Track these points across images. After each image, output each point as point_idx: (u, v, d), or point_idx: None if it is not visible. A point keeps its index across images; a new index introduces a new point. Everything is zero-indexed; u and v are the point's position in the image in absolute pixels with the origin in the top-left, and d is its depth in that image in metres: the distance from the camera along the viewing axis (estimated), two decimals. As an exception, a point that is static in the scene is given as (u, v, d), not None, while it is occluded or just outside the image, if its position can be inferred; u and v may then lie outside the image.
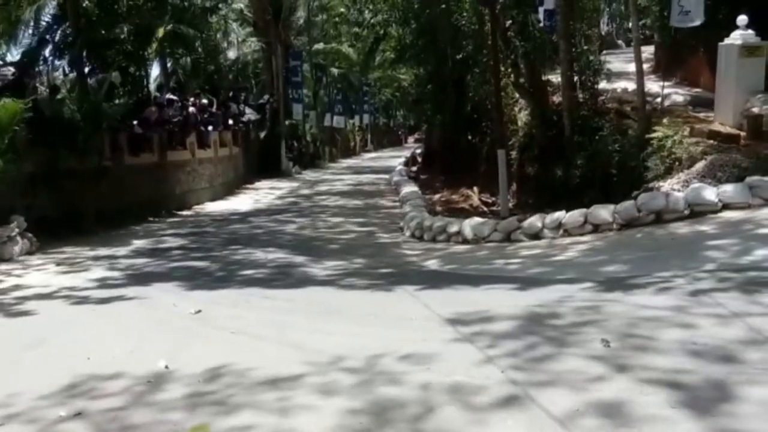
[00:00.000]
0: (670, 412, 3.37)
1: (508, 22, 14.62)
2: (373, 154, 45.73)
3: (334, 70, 42.03)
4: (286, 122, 29.72)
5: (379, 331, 5.42)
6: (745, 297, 5.22)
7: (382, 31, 26.59)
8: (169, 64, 26.69)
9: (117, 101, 15.71)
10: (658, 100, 12.97)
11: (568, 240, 9.25)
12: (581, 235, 9.26)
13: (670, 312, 5.05)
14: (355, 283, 7.88)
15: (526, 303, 5.78)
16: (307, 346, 4.99)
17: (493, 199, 14.99)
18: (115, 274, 8.92)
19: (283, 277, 8.37)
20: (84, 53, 17.50)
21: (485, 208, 14.51)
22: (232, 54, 33.87)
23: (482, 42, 16.43)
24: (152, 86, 25.43)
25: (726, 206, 8.52)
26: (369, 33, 29.33)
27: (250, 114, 25.72)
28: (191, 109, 19.18)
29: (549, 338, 4.71)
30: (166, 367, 4.59)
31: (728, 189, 8.63)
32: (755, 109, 10.58)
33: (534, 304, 5.71)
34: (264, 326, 5.79)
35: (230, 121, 22.12)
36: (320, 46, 39.85)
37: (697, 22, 11.25)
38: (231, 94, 25.60)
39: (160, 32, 20.33)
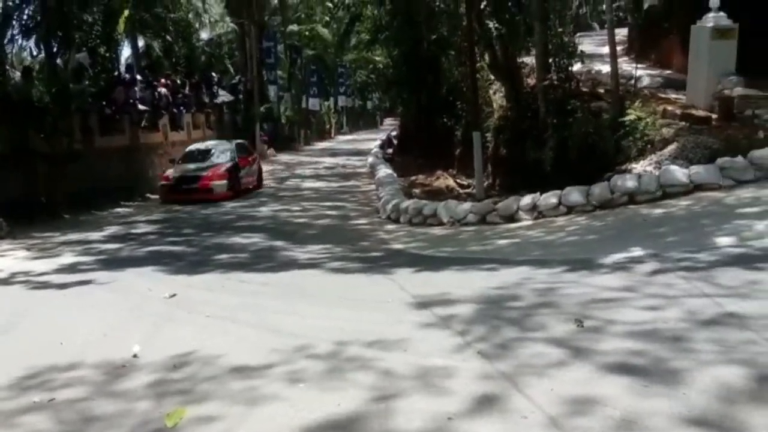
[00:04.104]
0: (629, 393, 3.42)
1: (483, 4, 14.57)
2: (348, 137, 45.49)
3: (309, 52, 41.65)
4: (261, 105, 29.43)
5: (355, 314, 5.42)
6: (709, 278, 5.30)
7: (357, 11, 26.35)
8: (140, 45, 26.26)
9: (86, 82, 15.38)
10: (632, 82, 13.07)
11: (542, 222, 9.33)
12: (556, 216, 9.34)
13: (632, 293, 5.14)
14: (331, 266, 7.87)
15: (498, 285, 5.83)
16: (282, 329, 4.97)
17: (469, 181, 15.03)
18: (88, 258, 8.80)
19: (261, 262, 8.33)
20: (52, 33, 17.12)
21: (461, 191, 14.53)
22: (205, 35, 33.42)
23: (457, 23, 16.38)
24: (123, 67, 24.99)
25: (697, 187, 8.64)
26: (344, 14, 29.05)
27: (223, 96, 25.43)
28: (162, 90, 18.89)
29: (514, 321, 4.75)
30: (135, 356, 4.52)
31: (699, 170, 8.75)
32: (726, 91, 10.71)
33: (506, 286, 5.76)
34: (239, 310, 5.76)
35: (205, 101, 21.84)
36: (295, 27, 39.42)
37: None
38: (204, 75, 25.25)
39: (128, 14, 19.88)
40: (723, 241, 6.42)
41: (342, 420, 3.35)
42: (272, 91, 31.49)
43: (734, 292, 4.87)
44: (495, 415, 3.28)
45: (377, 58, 37.60)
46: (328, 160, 27.53)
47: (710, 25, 10.97)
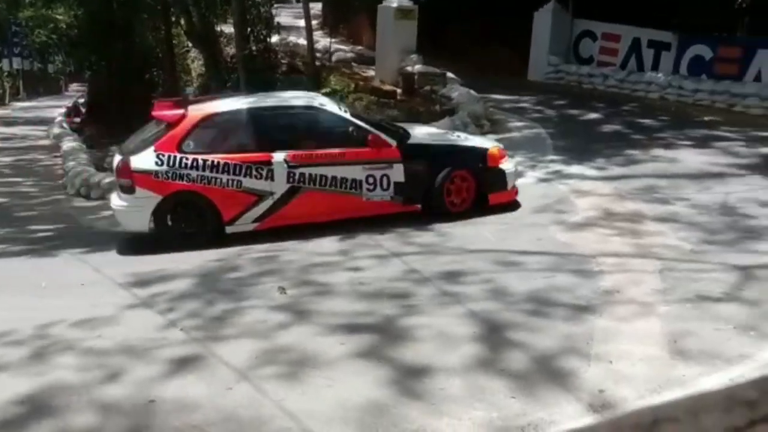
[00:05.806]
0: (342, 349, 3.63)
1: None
2: (27, 104, 40.41)
3: (-27, 5, 36.02)
4: None
5: (47, 301, 4.89)
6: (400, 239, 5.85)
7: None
8: None
9: None
10: (327, 55, 13.64)
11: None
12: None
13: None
14: (11, 249, 6.97)
15: (205, 258, 5.71)
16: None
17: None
18: None
19: None
20: None
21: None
22: None
23: (150, -15, 15.45)
24: None
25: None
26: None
27: None
28: None
29: (226, 292, 4.74)
30: None
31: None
32: (409, 68, 11.75)
33: (213, 259, 5.67)
34: None
35: None
36: (-49, -26, 33.72)
37: None
38: None
39: None
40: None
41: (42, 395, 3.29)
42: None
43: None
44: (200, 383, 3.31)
45: (59, 17, 33.95)
46: (3, 130, 24.24)
47: (394, 5, 11.88)
